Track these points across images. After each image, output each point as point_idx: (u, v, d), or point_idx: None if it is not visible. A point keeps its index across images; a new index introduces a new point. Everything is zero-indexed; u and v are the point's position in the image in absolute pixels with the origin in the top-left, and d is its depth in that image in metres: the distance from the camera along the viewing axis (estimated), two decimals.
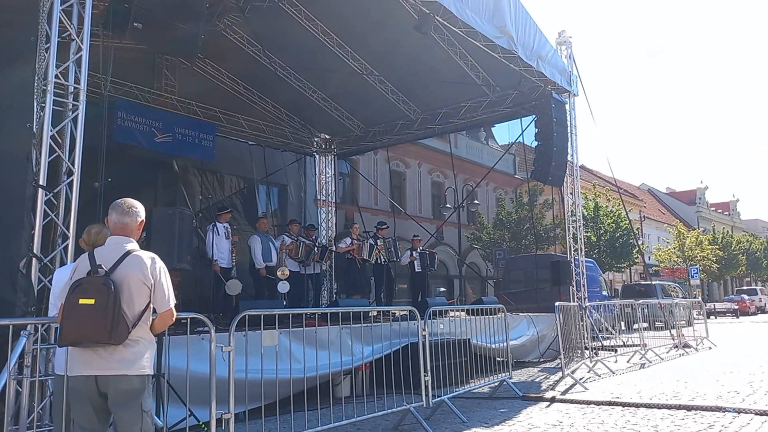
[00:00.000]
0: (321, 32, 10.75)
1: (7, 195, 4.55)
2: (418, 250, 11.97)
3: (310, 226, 11.48)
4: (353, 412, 5.51)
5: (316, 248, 10.50)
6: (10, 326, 3.73)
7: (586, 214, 24.23)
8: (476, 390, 7.31)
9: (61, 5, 4.81)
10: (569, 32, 11.81)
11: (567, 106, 11.36)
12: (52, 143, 4.66)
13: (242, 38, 10.99)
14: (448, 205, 21.94)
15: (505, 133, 33.79)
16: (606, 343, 11.72)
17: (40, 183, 4.49)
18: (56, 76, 4.73)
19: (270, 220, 11.98)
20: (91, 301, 2.82)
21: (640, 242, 27.64)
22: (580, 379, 8.37)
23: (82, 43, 4.96)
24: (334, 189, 14.87)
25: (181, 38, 6.25)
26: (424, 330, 6.16)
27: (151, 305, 3.03)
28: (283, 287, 9.01)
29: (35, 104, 4.57)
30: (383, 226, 11.38)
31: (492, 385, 7.62)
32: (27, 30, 4.66)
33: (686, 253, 35.66)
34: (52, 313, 3.59)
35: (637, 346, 11.28)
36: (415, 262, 11.77)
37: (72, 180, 4.73)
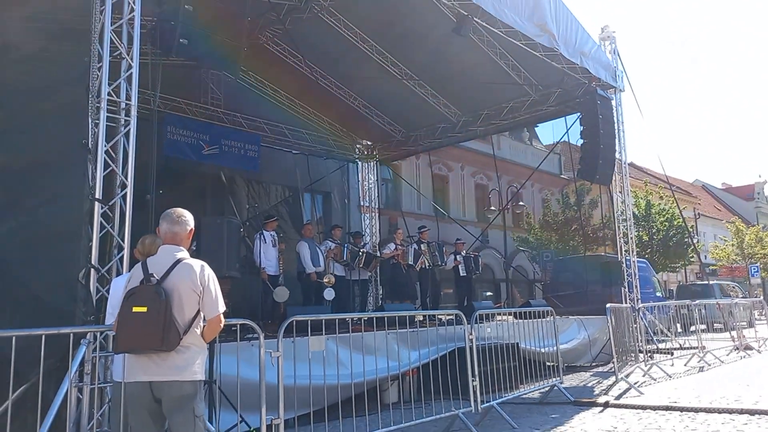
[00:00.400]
0: (360, 40, 10.85)
1: (66, 209, 4.78)
2: (462, 253, 11.87)
3: (357, 234, 11.53)
4: (401, 418, 5.50)
5: (361, 252, 10.56)
6: (71, 335, 3.90)
7: (637, 212, 23.51)
8: (526, 395, 7.18)
9: (111, 26, 5.03)
10: (612, 27, 11.57)
11: (613, 102, 11.08)
12: (107, 158, 4.85)
13: (283, 49, 11.21)
14: (492, 208, 21.65)
15: (549, 132, 33.21)
16: (661, 345, 11.31)
17: (96, 196, 4.69)
18: (109, 94, 4.94)
19: (315, 227, 12.13)
20: (144, 309, 2.92)
21: (695, 241, 26.60)
22: (635, 383, 8.10)
23: (132, 61, 5.15)
24: (377, 195, 14.94)
25: (225, 52, 6.44)
26: (471, 334, 6.10)
27: (201, 312, 3.12)
28: (329, 294, 9.08)
29: (90, 121, 4.79)
30: (424, 229, 11.37)
31: (542, 390, 7.47)
32: (80, 51, 4.89)
33: (745, 251, 34.03)
34: (110, 322, 3.73)
35: (694, 348, 10.84)
36: (460, 266, 11.68)
37: (126, 193, 4.91)
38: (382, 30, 10.64)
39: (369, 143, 14.69)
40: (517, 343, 7.62)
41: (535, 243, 23.45)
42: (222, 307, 3.19)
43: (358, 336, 6.42)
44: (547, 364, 8.00)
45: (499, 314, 8.97)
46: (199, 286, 3.09)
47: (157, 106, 6.51)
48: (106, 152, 4.86)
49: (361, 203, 15.08)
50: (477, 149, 22.18)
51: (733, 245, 34.95)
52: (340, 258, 9.99)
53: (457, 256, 11.73)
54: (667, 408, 6.49)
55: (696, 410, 6.28)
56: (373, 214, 14.80)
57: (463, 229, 14.82)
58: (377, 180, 14.98)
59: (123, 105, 5.07)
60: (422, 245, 11.00)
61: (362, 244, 11.15)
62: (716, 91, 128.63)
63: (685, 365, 10.05)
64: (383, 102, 12.86)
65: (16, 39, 5.10)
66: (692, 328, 11.73)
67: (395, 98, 12.48)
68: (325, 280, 9.33)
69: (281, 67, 11.44)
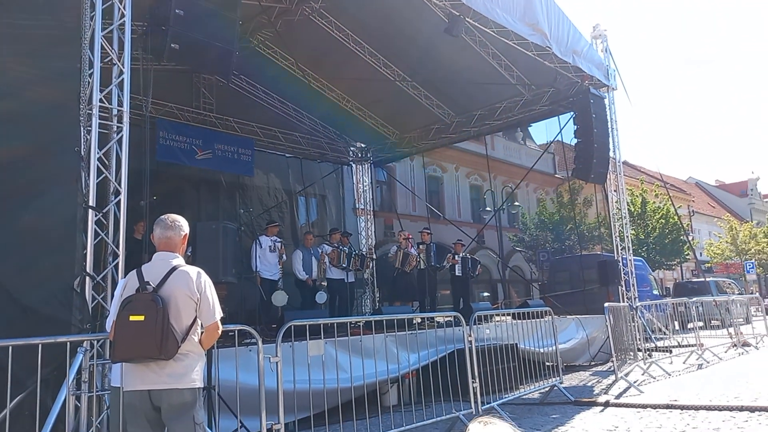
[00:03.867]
0: (352, 42, 10.84)
1: (59, 218, 4.71)
2: (460, 254, 11.84)
3: (345, 234, 11.46)
4: (402, 421, 5.47)
5: (355, 254, 10.52)
6: (68, 343, 3.85)
7: (632, 210, 23.60)
8: (526, 396, 7.16)
9: (102, 31, 4.98)
10: (604, 25, 11.62)
11: (606, 101, 11.11)
12: (99, 165, 4.80)
13: (275, 53, 11.18)
14: (488, 208, 21.70)
15: (542, 132, 33.13)
16: (660, 344, 11.31)
17: (90, 204, 4.64)
18: (100, 100, 4.89)
19: (307, 229, 12.09)
20: (141, 318, 2.88)
21: (690, 238, 26.70)
22: (635, 381, 8.09)
23: (123, 67, 5.11)
24: (371, 197, 14.91)
25: (217, 57, 6.38)
26: (470, 335, 6.07)
27: (198, 319, 3.07)
28: (321, 297, 9.11)
29: (82, 128, 4.73)
30: (425, 231, 11.38)
31: (542, 391, 7.45)
32: (71, 58, 4.83)
33: (740, 248, 34.23)
34: (110, 323, 3.67)
35: (693, 346, 10.86)
36: (457, 266, 11.64)
37: (119, 200, 4.86)
38: (373, 31, 10.62)
39: (363, 145, 14.66)
40: (516, 344, 7.60)
41: (531, 243, 23.50)
42: (219, 314, 3.15)
43: (357, 339, 6.38)
44: (547, 364, 7.99)
45: (498, 315, 8.95)
46: (196, 293, 3.05)
47: (149, 112, 6.45)
48: (99, 159, 4.80)
49: (356, 206, 15.05)
50: (471, 150, 22.21)
51: (727, 242, 35.14)
52: (337, 262, 9.93)
53: (456, 256, 11.67)
54: (667, 406, 6.47)
55: (696, 408, 6.27)
56: (369, 216, 14.76)
57: (458, 230, 14.80)
58: (372, 182, 14.95)
59: (115, 111, 5.02)
60: (420, 245, 10.98)
61: (349, 244, 11.02)
62: (708, 89, 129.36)
63: (683, 363, 10.06)
64: (376, 104, 12.84)
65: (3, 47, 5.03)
66: (690, 326, 11.75)
67: (388, 100, 12.46)
68: (316, 283, 9.38)
69: (273, 70, 11.40)
